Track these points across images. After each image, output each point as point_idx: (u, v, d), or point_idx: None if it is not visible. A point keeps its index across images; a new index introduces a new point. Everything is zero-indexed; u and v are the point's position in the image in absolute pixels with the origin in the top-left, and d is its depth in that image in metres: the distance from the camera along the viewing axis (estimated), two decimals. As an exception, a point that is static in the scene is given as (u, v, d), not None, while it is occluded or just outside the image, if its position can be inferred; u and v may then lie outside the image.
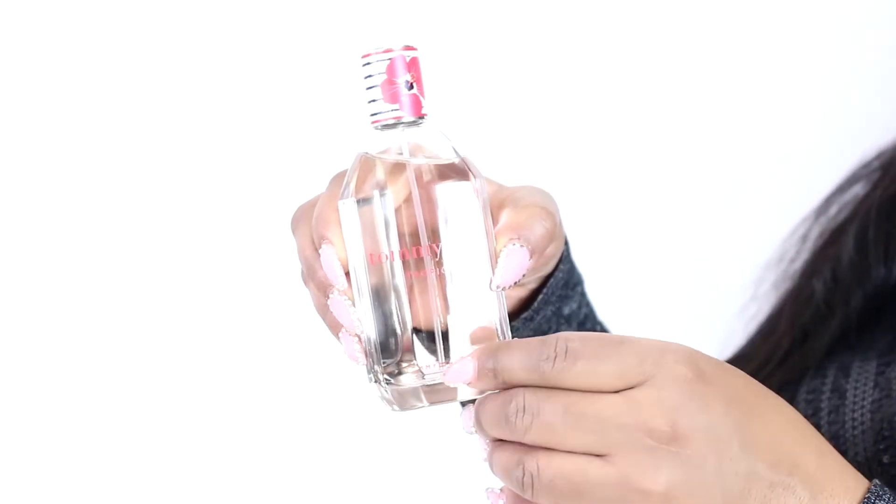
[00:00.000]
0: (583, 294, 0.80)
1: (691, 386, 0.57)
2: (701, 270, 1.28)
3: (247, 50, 1.27)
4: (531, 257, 0.64)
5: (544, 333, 0.74)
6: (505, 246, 0.64)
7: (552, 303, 0.75)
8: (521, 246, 0.64)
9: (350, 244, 0.64)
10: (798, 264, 0.90)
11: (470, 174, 0.65)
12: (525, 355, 0.59)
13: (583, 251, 1.25)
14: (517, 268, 0.64)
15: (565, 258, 0.75)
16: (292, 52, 1.27)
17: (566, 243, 0.76)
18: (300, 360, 1.28)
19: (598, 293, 1.26)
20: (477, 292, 0.63)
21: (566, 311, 0.77)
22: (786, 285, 0.90)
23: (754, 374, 0.85)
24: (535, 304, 0.74)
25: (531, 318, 0.74)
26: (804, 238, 0.90)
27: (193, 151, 1.28)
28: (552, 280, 0.74)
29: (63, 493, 1.29)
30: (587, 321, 0.81)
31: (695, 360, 0.58)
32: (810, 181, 0.94)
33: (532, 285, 0.74)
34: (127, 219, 1.28)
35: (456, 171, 0.65)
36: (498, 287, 0.64)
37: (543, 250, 0.66)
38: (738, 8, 1.25)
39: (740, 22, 1.25)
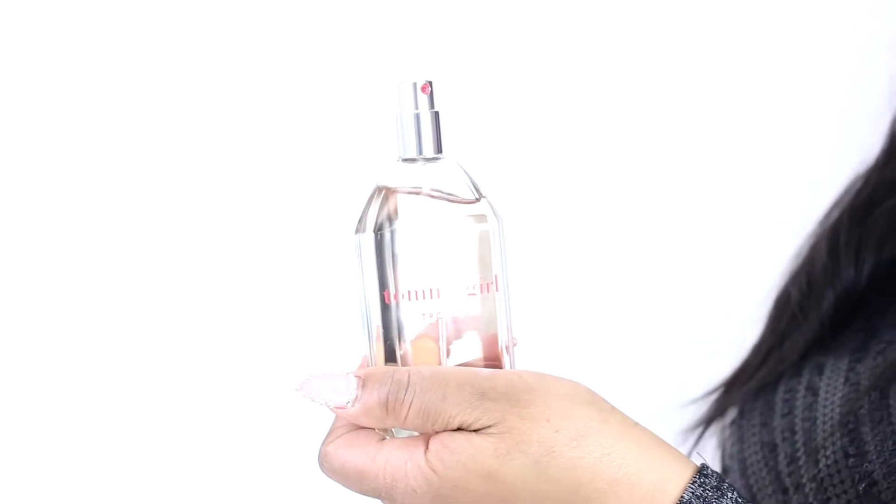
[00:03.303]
0: None
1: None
2: (706, 292, 1.27)
3: (247, 50, 1.27)
4: None
5: None
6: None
7: None
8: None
9: (365, 279, 0.65)
10: None
11: (489, 216, 0.64)
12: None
13: (583, 257, 1.24)
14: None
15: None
16: (292, 53, 1.27)
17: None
18: (296, 359, 1.29)
19: (601, 301, 1.25)
20: (483, 344, 0.65)
21: None
22: None
23: (734, 379, 0.87)
24: None
25: None
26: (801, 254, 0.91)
27: (193, 151, 1.28)
28: None
29: (63, 493, 1.30)
30: None
31: (416, 500, 0.61)
32: (819, 190, 0.94)
33: None
34: (126, 218, 1.28)
35: (475, 213, 0.64)
36: None
37: None
38: (739, 16, 1.26)
39: (744, 33, 1.26)
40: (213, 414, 1.31)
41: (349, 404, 0.61)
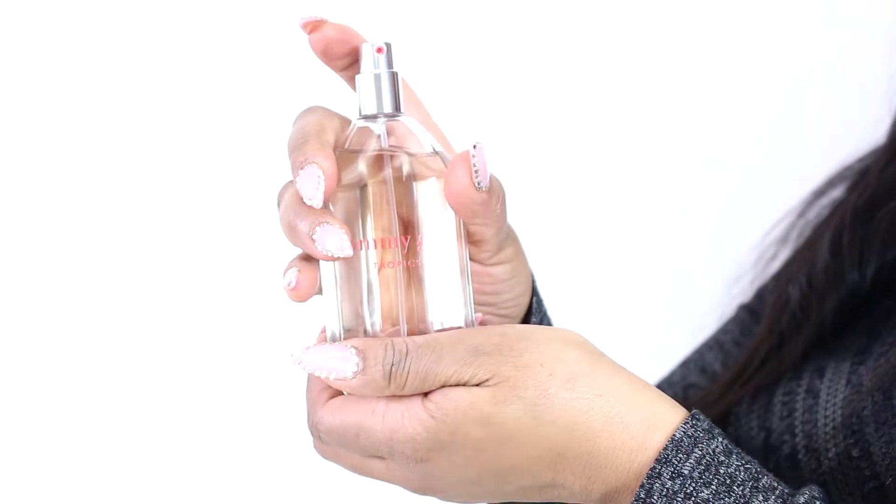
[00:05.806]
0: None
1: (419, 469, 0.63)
2: (679, 269, 1.28)
3: (246, 50, 1.27)
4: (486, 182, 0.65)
5: None
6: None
7: None
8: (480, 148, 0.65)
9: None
10: (776, 264, 0.91)
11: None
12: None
13: (562, 249, 1.26)
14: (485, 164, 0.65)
15: (535, 309, 0.75)
16: (289, 52, 1.27)
17: (533, 280, 0.75)
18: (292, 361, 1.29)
19: (576, 291, 1.27)
20: (445, 289, 0.66)
21: None
22: (762, 284, 0.92)
23: (732, 381, 0.86)
24: None
25: None
26: (783, 239, 0.91)
27: (193, 151, 1.29)
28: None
29: (63, 494, 1.29)
30: None
31: (416, 448, 0.62)
32: (791, 181, 0.95)
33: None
34: (125, 219, 1.28)
35: (432, 167, 0.66)
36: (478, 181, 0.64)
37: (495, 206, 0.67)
38: (720, 13, 1.26)
39: (722, 27, 1.26)
40: (210, 411, 1.30)
41: (352, 376, 0.62)
